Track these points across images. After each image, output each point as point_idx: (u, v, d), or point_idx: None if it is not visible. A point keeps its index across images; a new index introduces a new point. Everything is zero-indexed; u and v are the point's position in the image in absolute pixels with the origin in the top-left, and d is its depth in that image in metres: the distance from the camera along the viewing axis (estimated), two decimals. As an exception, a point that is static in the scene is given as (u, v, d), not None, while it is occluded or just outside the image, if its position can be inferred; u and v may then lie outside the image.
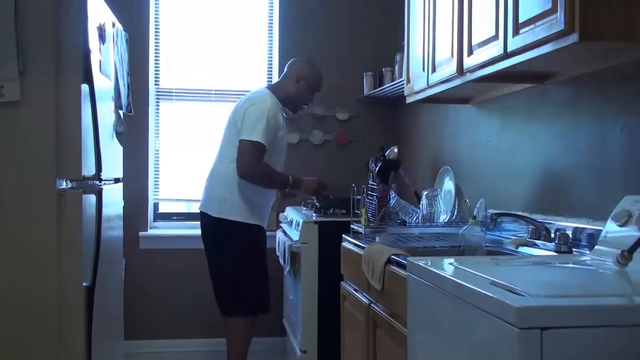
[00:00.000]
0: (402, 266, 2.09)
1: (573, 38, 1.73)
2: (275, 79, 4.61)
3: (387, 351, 2.20)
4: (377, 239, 2.69)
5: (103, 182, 2.27)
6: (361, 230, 2.86)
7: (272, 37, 4.67)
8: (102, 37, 2.30)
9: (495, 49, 2.15)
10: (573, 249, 2.21)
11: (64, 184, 1.92)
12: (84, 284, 2.08)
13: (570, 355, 1.14)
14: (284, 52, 4.52)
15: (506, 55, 2.09)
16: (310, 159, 4.45)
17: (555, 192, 2.49)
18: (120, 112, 2.82)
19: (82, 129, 2.01)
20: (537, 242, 2.40)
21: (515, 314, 1.14)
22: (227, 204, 3.38)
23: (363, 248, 2.61)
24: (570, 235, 2.25)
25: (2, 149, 1.97)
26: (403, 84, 3.83)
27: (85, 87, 2.09)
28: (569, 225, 2.30)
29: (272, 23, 4.67)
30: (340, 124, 4.59)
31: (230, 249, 3.40)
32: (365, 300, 2.52)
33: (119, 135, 2.74)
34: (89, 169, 2.13)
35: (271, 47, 4.68)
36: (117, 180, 2.57)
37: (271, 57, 4.68)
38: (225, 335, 3.59)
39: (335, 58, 4.53)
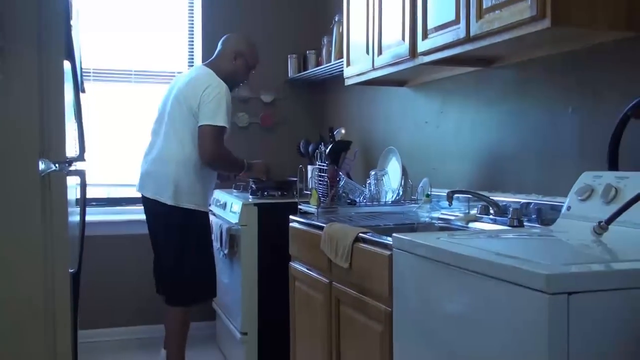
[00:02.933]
0: (374, 243, 2.15)
1: (545, 23, 1.84)
2: (198, 59, 4.53)
3: (357, 326, 2.25)
4: (330, 218, 2.73)
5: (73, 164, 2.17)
6: (312, 210, 2.90)
7: (192, 17, 4.58)
8: (70, 13, 2.18)
9: (456, 33, 2.24)
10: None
11: (46, 166, 1.82)
12: (71, 270, 1.98)
13: (593, 317, 1.24)
14: (207, 33, 4.45)
15: (469, 39, 2.18)
16: (236, 142, 4.37)
17: (501, 171, 2.63)
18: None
19: (64, 108, 1.91)
20: (485, 217, 2.53)
21: (544, 280, 1.22)
22: (183, 191, 3.27)
23: (317, 227, 2.65)
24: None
25: (-19, 129, 1.83)
26: (332, 67, 3.92)
27: (67, 64, 1.98)
28: (515, 200, 2.43)
29: (192, 2, 4.57)
30: (265, 106, 4.59)
31: (185, 238, 3.31)
32: (324, 279, 2.56)
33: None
34: (72, 150, 2.02)
35: (192, 27, 4.59)
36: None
37: (192, 38, 4.59)
38: (164, 321, 3.53)
39: (259, 40, 4.45)
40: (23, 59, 1.83)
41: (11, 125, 1.84)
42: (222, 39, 3.60)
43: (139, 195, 3.48)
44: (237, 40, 3.55)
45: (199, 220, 3.34)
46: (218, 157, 3.29)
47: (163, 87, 4.26)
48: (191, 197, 3.29)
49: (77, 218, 2.18)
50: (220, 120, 3.23)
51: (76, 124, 2.11)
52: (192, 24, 4.57)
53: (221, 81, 3.34)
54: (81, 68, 2.81)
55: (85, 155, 2.11)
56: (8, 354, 1.88)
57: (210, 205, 3.58)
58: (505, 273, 1.32)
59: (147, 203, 3.39)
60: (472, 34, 2.15)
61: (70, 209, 2.00)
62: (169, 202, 3.26)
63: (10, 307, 1.89)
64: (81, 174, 2.16)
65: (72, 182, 2.15)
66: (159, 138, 3.38)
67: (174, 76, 4.45)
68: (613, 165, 1.96)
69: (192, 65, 4.55)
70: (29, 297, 1.86)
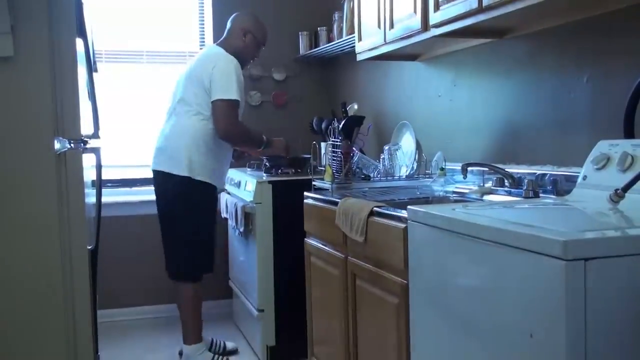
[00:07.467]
0: (389, 217, 2.15)
1: (559, -10, 1.82)
2: (208, 38, 4.52)
3: (373, 300, 2.26)
4: (344, 193, 2.73)
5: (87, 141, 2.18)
6: (327, 186, 2.90)
7: (203, -4, 4.57)
8: (81, -10, 2.19)
9: (468, 4, 2.22)
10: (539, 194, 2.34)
11: (62, 144, 1.83)
12: (88, 247, 2.00)
13: (610, 283, 1.23)
14: (217, 12, 4.44)
15: (481, 9, 2.15)
16: (249, 120, 4.38)
17: (515, 143, 2.61)
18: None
19: (78, 85, 1.91)
20: (500, 189, 2.52)
21: (561, 247, 1.21)
22: (196, 163, 3.30)
23: (332, 203, 2.65)
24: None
25: (-5, 108, 1.84)
26: (343, 43, 3.89)
27: (79, 42, 1.99)
28: (530, 172, 2.42)
29: (202, -19, 4.56)
30: (277, 85, 4.58)
31: (195, 211, 3.35)
32: (339, 254, 2.57)
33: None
34: (87, 128, 2.03)
35: (202, 7, 4.57)
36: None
37: (202, 17, 4.57)
38: (176, 300, 3.56)
39: (269, 18, 4.45)
40: (34, 36, 1.83)
41: (25, 104, 1.84)
42: (231, 17, 3.63)
43: (152, 175, 3.49)
44: (245, 18, 3.58)
45: (208, 194, 3.38)
46: (233, 130, 3.32)
47: (174, 67, 4.31)
48: (204, 170, 3.32)
49: (93, 199, 2.19)
50: (232, 94, 3.26)
51: (90, 103, 2.12)
52: (202, 3, 4.56)
53: (231, 56, 3.37)
54: (93, 47, 2.83)
55: (100, 133, 2.12)
56: (29, 331, 1.91)
57: (224, 183, 3.59)
58: (521, 241, 1.32)
59: (159, 178, 3.41)
60: (484, 4, 2.12)
61: (86, 190, 2.01)
62: (184, 173, 3.29)
63: (29, 284, 1.91)
64: (96, 151, 2.17)
65: (88, 161, 2.16)
66: (173, 116, 3.42)
67: (185, 56, 4.48)
68: (629, 133, 1.95)
69: (202, 45, 4.56)
70: (47, 274, 1.88)
